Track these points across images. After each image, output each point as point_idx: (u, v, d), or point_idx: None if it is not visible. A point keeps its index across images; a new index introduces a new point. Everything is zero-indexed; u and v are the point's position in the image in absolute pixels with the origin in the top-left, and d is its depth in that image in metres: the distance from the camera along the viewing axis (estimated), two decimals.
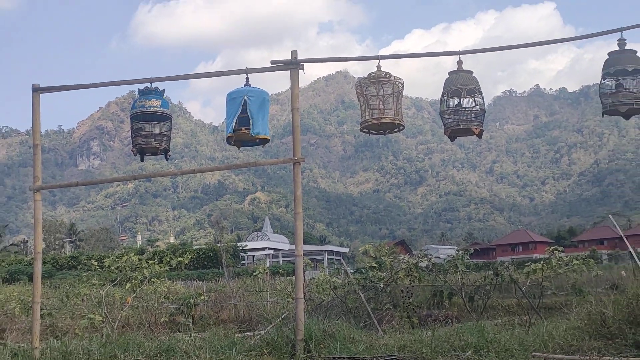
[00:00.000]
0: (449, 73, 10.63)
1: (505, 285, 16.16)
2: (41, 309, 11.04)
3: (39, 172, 10.86)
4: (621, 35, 10.39)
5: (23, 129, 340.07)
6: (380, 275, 15.98)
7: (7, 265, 51.01)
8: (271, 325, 11.68)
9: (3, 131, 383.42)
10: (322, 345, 9.69)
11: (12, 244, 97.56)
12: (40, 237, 10.99)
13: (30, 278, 12.37)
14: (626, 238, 18.04)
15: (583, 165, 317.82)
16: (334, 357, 8.42)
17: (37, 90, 10.84)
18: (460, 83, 10.51)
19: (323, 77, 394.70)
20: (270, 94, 10.68)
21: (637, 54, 10.47)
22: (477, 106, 10.49)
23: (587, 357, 7.87)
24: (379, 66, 10.55)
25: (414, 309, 14.79)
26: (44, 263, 11.12)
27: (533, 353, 8.49)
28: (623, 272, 20.64)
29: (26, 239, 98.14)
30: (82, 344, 10.32)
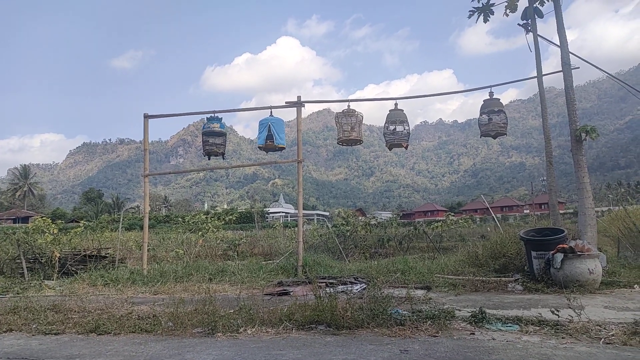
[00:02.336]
0: (390, 110, 10.60)
1: (420, 235, 16.22)
2: (147, 246, 11.01)
3: (147, 165, 10.84)
4: (491, 89, 10.41)
5: (138, 139, 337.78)
6: (347, 229, 16.00)
7: (128, 220, 50.75)
8: (283, 257, 11.70)
9: (126, 140, 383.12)
10: (312, 269, 9.73)
11: (131, 207, 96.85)
12: (147, 203, 10.95)
13: (141, 228, 12.30)
14: (490, 208, 18.08)
15: (466, 165, 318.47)
16: (320, 276, 8.44)
17: (146, 117, 10.76)
18: (396, 116, 10.50)
19: (315, 112, 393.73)
20: (285, 121, 10.63)
21: (499, 100, 10.50)
22: (405, 130, 10.48)
23: (467, 277, 7.93)
24: (349, 106, 10.54)
25: (367, 248, 14.83)
26: (149, 219, 11.07)
27: (435, 274, 8.54)
28: (489, 229, 20.72)
29: (139, 205, 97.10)
30: (172, 267, 10.33)
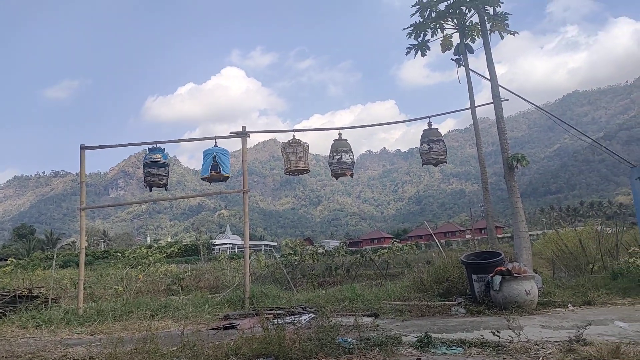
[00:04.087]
0: (334, 140, 10.80)
1: (367, 262, 16.33)
2: (84, 284, 10.41)
3: (84, 198, 10.38)
4: (429, 120, 10.87)
5: (74, 172, 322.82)
6: (295, 258, 15.88)
7: (63, 257, 47.91)
8: (229, 289, 11.41)
9: (61, 173, 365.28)
10: (260, 300, 9.56)
11: (66, 244, 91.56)
12: (84, 239, 10.42)
13: (77, 265, 11.65)
14: (434, 234, 18.59)
15: (410, 193, 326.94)
16: (267, 307, 8.29)
17: (83, 148, 10.35)
18: (340, 146, 10.71)
19: (261, 141, 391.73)
20: (230, 151, 10.57)
21: (438, 130, 10.97)
22: (350, 159, 10.69)
23: (413, 302, 8.04)
24: (294, 136, 10.65)
25: (315, 277, 14.75)
26: (85, 255, 10.52)
27: (383, 301, 8.61)
28: (433, 254, 21.20)
29: (75, 240, 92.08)
30: (110, 305, 9.80)
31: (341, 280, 14.84)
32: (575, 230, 14.13)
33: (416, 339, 5.06)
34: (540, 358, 4.21)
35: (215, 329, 6.89)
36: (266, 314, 6.28)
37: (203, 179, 10.40)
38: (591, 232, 12.88)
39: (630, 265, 9.80)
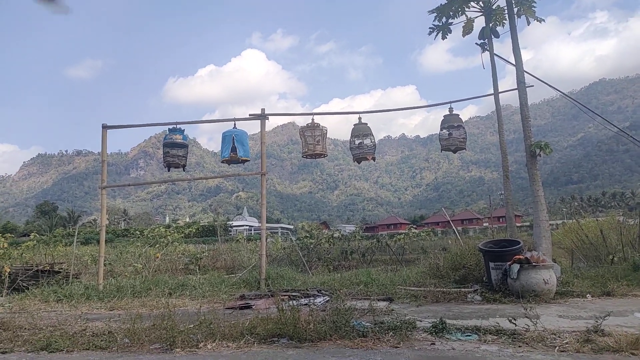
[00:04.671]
0: (354, 124, 10.71)
1: (382, 247, 16.34)
2: (104, 261, 10.65)
3: (105, 177, 10.56)
4: (450, 105, 10.70)
5: (96, 151, 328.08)
6: (311, 241, 15.95)
7: (84, 234, 49.02)
8: (246, 270, 11.54)
9: (83, 152, 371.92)
10: (275, 282, 9.65)
11: (87, 221, 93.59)
12: (104, 216, 10.61)
13: (98, 242, 11.90)
14: (451, 221, 18.47)
15: (428, 179, 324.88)
16: (282, 289, 8.37)
17: (105, 127, 10.48)
18: (361, 130, 10.62)
19: (280, 125, 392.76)
20: (248, 134, 10.58)
21: (459, 116, 10.79)
22: (372, 143, 10.61)
23: (428, 288, 8.03)
24: (313, 119, 10.59)
25: (330, 261, 14.83)
26: (106, 233, 10.73)
27: (398, 286, 8.61)
28: (450, 241, 21.08)
29: (96, 218, 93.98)
30: (129, 282, 10.01)
31: (356, 264, 14.89)
32: (597, 220, 13.85)
33: (431, 325, 5.04)
34: (557, 347, 4.16)
35: (231, 308, 6.98)
36: (281, 295, 6.33)
37: (223, 161, 10.44)
38: (612, 222, 12.61)
39: None
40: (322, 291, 8.01)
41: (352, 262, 15.27)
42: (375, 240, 16.77)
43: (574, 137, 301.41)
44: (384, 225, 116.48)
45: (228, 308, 6.95)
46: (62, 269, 11.59)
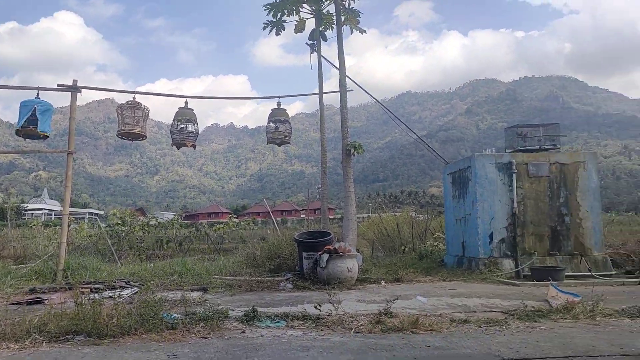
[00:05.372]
0: (179, 108, 10.28)
1: (202, 236, 16.09)
2: None
3: None
4: (279, 100, 11.01)
5: None
6: (123, 229, 14.83)
7: None
8: (40, 260, 10.15)
9: None
10: (76, 273, 8.73)
11: None
12: None
13: None
14: (271, 212, 19.11)
15: (253, 170, 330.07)
16: (84, 280, 7.61)
17: None
18: (185, 115, 10.24)
19: (96, 100, 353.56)
20: (54, 107, 9.28)
21: (286, 111, 11.18)
22: (194, 130, 10.30)
23: (244, 277, 8.15)
24: (134, 97, 9.83)
25: (143, 250, 14.03)
26: None
27: (214, 275, 8.56)
28: (269, 231, 21.78)
29: None
30: None
31: (173, 253, 14.41)
32: (394, 215, 15.81)
33: (243, 313, 5.12)
34: (353, 329, 4.60)
35: (17, 303, 6.08)
36: (82, 288, 5.75)
37: (17, 133, 9.00)
38: (407, 217, 14.57)
39: (434, 248, 11.35)
40: (131, 282, 7.52)
41: (167, 251, 14.72)
42: (194, 228, 16.42)
43: (383, 140, 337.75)
44: (206, 213, 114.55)
45: (12, 304, 6.03)
46: None
